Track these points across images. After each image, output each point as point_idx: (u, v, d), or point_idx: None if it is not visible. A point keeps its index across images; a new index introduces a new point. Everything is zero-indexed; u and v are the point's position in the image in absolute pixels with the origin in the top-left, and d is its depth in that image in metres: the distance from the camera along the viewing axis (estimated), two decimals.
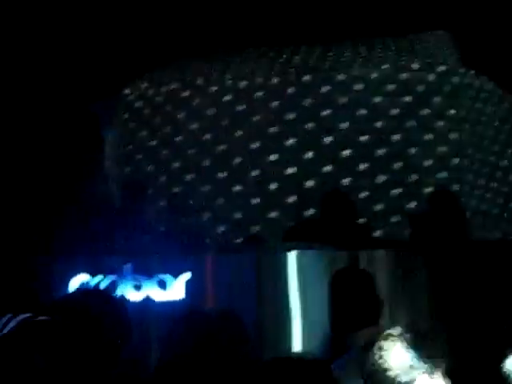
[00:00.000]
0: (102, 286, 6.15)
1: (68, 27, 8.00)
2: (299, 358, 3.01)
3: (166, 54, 9.48)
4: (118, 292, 6.08)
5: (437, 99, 9.09)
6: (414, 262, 5.76)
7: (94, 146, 8.01)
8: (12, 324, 2.32)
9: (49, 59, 7.86)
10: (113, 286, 6.13)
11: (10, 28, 7.67)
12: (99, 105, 8.53)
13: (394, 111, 9.08)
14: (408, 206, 8.66)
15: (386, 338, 2.66)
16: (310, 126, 9.16)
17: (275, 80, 9.41)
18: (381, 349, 2.61)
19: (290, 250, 6.04)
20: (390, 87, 9.14)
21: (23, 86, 7.78)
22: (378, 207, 8.77)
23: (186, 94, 9.66)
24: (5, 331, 2.25)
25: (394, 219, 8.69)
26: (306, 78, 9.33)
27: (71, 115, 8.12)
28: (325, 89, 9.23)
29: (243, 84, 9.45)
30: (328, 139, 9.07)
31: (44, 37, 7.73)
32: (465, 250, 5.88)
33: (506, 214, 9.22)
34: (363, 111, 9.11)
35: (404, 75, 9.18)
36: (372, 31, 9.35)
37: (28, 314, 2.41)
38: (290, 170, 9.08)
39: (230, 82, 9.51)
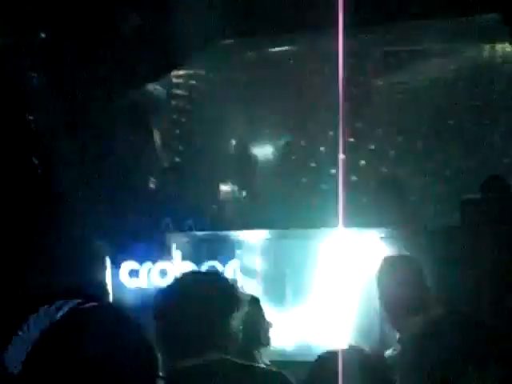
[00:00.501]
0: (153, 272, 6.18)
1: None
2: (352, 349, 2.94)
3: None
4: (168, 278, 6.10)
5: None
6: None
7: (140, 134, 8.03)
8: (65, 309, 2.31)
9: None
10: (163, 273, 6.15)
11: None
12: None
13: None
14: None
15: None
16: None
17: None
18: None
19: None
20: None
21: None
22: None
23: None
24: (58, 316, 2.24)
25: None
26: None
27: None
28: None
29: None
30: None
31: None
32: None
33: None
34: None
35: None
36: None
37: (78, 300, 2.40)
38: None
39: None
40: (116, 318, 2.26)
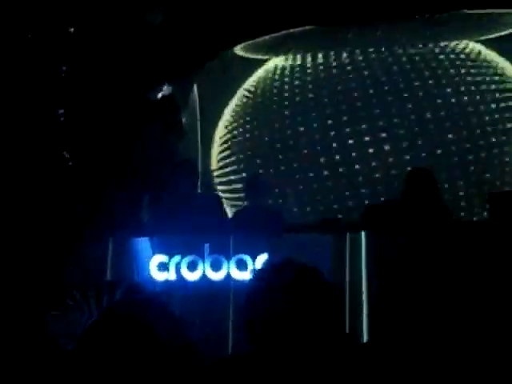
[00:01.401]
0: (183, 265, 6.21)
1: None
2: None
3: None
4: (198, 271, 6.14)
5: None
6: None
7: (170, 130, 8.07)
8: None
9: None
10: (192, 265, 6.18)
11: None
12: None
13: None
14: None
15: None
16: None
17: None
18: None
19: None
20: None
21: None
22: None
23: None
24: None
25: None
26: None
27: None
28: None
29: None
30: None
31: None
32: None
33: None
34: None
35: None
36: None
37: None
38: None
39: None
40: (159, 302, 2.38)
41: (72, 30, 7.30)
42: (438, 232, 6.11)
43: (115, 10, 7.43)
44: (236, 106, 9.97)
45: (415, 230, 6.11)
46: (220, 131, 9.99)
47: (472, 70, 9.46)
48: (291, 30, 8.89)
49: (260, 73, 10.08)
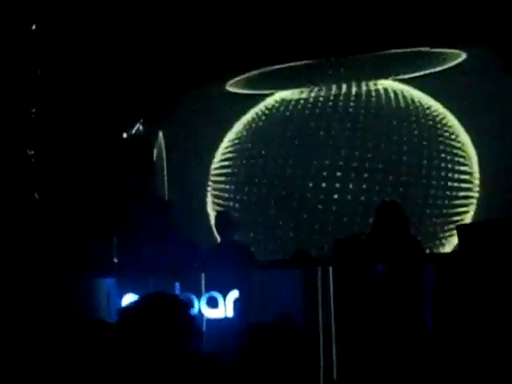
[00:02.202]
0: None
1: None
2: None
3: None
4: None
5: None
6: None
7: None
8: None
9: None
10: None
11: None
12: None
13: None
14: None
15: None
16: None
17: None
18: None
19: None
20: None
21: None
22: None
23: None
24: None
25: None
26: None
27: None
28: None
29: None
30: None
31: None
32: None
33: None
34: None
35: None
36: None
37: None
38: None
39: None
40: None
41: (39, 72, 7.34)
42: (408, 261, 6.20)
43: (87, 49, 7.49)
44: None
45: (387, 260, 6.19)
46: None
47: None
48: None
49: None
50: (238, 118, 10.32)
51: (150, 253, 6.88)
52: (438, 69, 9.70)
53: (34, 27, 7.11)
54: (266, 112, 10.17)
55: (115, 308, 6.24)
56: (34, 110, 7.24)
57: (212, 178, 10.22)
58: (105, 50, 7.69)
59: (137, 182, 7.92)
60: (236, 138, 10.19)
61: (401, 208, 6.56)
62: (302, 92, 10.06)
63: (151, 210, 7.38)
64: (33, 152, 7.21)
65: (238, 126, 10.29)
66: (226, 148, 10.25)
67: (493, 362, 5.35)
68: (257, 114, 10.22)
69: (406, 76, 9.90)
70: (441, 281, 5.91)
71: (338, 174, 9.46)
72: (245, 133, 10.15)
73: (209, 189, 10.24)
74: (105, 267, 7.06)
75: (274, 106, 10.15)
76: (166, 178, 9.86)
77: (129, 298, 6.28)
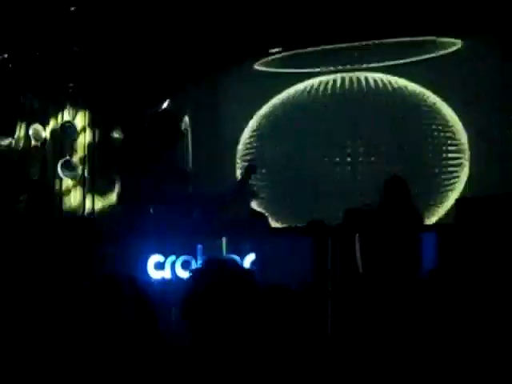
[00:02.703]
0: (177, 265, 6.74)
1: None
2: None
3: None
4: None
5: None
6: None
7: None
8: None
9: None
10: (186, 265, 6.71)
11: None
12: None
13: None
14: None
15: None
16: None
17: None
18: None
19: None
20: None
21: None
22: None
23: None
24: None
25: None
26: None
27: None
28: None
29: None
30: None
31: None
32: None
33: None
34: None
35: None
36: None
37: None
38: None
39: None
40: None
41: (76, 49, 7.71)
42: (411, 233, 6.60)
43: (116, 32, 7.84)
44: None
45: (392, 232, 6.59)
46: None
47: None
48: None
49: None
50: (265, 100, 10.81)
51: (174, 217, 7.29)
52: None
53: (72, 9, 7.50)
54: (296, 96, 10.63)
55: (143, 268, 6.78)
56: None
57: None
58: (139, 33, 8.05)
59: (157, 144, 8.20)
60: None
61: (405, 183, 6.97)
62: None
63: (170, 174, 7.71)
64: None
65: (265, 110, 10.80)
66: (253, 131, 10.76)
67: (490, 337, 5.51)
68: (283, 99, 10.71)
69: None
70: (441, 250, 6.29)
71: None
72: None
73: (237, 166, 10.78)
74: (131, 231, 7.46)
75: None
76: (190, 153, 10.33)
77: (155, 258, 6.81)
